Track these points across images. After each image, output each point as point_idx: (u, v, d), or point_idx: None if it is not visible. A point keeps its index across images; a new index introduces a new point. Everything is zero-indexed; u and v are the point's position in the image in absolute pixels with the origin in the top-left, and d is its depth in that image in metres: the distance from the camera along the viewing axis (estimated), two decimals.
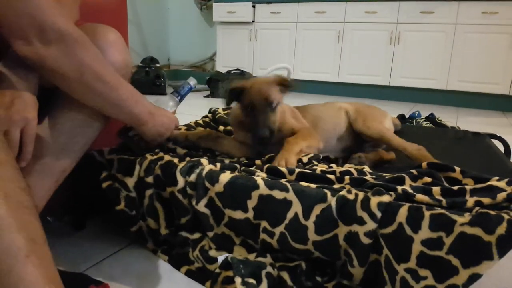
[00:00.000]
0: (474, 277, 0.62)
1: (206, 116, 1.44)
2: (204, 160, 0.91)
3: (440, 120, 2.16)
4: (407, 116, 2.18)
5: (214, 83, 3.70)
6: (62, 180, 0.79)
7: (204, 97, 3.73)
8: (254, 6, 4.12)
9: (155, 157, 0.93)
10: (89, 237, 1.02)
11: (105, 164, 0.97)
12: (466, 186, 0.78)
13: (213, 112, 1.44)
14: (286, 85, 1.03)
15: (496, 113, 3.32)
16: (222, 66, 4.38)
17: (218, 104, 1.39)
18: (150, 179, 0.90)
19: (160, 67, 3.81)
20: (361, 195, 0.72)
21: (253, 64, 4.28)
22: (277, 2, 4.02)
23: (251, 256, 0.82)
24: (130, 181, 0.93)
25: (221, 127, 1.29)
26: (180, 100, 1.03)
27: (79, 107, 0.77)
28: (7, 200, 0.49)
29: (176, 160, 0.91)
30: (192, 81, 1.06)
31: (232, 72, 3.83)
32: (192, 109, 2.48)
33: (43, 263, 0.49)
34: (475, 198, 0.74)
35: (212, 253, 0.87)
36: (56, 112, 0.76)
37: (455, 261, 0.64)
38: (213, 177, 0.83)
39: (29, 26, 0.59)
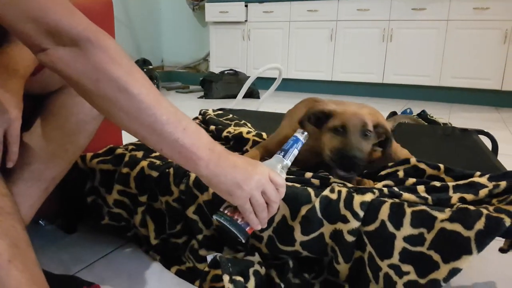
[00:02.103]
0: (454, 272, 0.64)
1: (196, 118, 1.45)
2: None
3: (432, 117, 2.18)
4: (399, 113, 2.20)
5: (208, 84, 3.71)
6: (53, 188, 0.79)
7: (198, 98, 3.74)
8: (246, 6, 4.12)
9: (135, 171, 0.91)
10: (80, 240, 1.03)
11: (88, 172, 0.98)
12: (448, 183, 0.80)
13: (203, 113, 1.45)
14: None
15: (488, 109, 3.35)
16: (215, 66, 4.39)
17: (211, 105, 1.39)
18: (143, 199, 0.90)
19: (153, 68, 3.82)
20: (344, 192, 0.73)
21: (247, 64, 4.29)
22: (270, 1, 4.03)
23: (240, 255, 0.83)
24: (110, 198, 0.94)
25: (212, 127, 1.30)
26: (285, 157, 0.74)
27: (68, 114, 0.77)
28: None
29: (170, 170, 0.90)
30: (299, 133, 0.77)
31: (226, 72, 3.83)
32: (186, 111, 2.49)
33: (27, 267, 0.50)
34: (458, 195, 0.76)
35: (202, 252, 0.88)
36: (45, 120, 0.76)
37: (436, 257, 0.65)
38: (201, 185, 0.83)
39: (35, 31, 0.52)
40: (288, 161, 0.73)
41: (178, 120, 0.59)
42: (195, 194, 0.84)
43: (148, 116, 0.56)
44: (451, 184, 0.80)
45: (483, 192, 0.76)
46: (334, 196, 0.73)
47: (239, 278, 0.73)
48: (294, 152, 0.75)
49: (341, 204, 0.72)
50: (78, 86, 0.56)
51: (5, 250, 0.49)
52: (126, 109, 0.55)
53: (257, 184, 0.62)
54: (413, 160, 0.92)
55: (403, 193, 0.76)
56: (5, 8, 0.49)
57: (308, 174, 0.87)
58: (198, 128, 0.62)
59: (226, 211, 0.67)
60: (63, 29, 0.52)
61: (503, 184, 0.76)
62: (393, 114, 2.14)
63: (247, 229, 0.67)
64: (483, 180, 0.80)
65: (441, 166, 0.88)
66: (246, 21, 4.19)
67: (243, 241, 0.68)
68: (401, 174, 0.89)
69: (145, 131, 0.58)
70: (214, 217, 0.68)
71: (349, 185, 0.81)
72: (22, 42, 0.54)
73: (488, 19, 3.28)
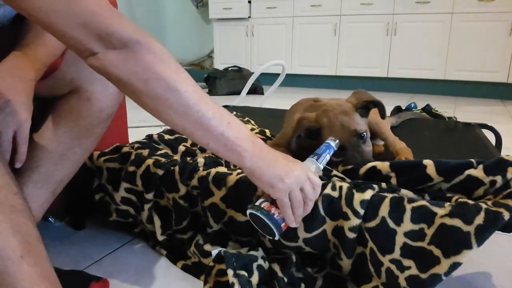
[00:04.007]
0: (455, 266, 0.65)
1: None
2: (200, 160, 0.93)
3: (437, 111, 2.17)
4: (403, 108, 2.19)
5: (212, 80, 3.72)
6: (61, 189, 0.80)
7: None
8: (249, 2, 4.12)
9: (141, 169, 0.93)
10: (89, 236, 1.05)
11: (95, 170, 1.00)
12: (442, 186, 0.80)
13: None
14: (368, 106, 0.93)
15: (494, 102, 3.33)
16: (220, 63, 4.40)
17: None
18: (150, 196, 0.92)
19: None
20: (344, 189, 0.74)
21: (251, 60, 4.29)
22: None
23: (244, 250, 0.85)
24: (117, 196, 0.96)
25: None
26: (319, 160, 0.75)
27: (77, 118, 0.78)
28: (0, 207, 0.52)
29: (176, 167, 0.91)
30: (331, 140, 0.80)
31: (230, 69, 3.84)
32: None
33: (38, 262, 0.52)
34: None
35: (207, 247, 0.90)
36: (54, 122, 0.77)
37: (437, 251, 0.66)
38: (220, 180, 0.85)
39: (86, 36, 0.53)
40: (321, 165, 0.75)
41: (221, 115, 0.62)
42: (211, 190, 0.86)
43: (195, 112, 0.59)
44: (445, 186, 0.79)
45: (477, 194, 0.76)
46: (335, 194, 0.74)
47: (243, 272, 0.75)
48: (327, 157, 0.77)
49: (342, 202, 0.73)
50: (127, 87, 0.58)
51: (18, 246, 0.51)
52: (174, 106, 0.58)
53: (297, 180, 0.65)
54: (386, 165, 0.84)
55: (401, 188, 0.78)
56: (57, 16, 0.51)
57: None
58: (239, 122, 0.65)
59: (262, 205, 0.68)
60: (114, 33, 0.54)
61: (499, 180, 0.75)
62: (398, 108, 2.13)
63: (282, 225, 0.69)
64: (479, 173, 0.78)
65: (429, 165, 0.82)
66: (249, 17, 4.18)
67: (277, 237, 0.69)
68: (393, 181, 0.84)
69: (193, 126, 0.61)
70: (249, 211, 0.69)
71: (349, 180, 0.82)
72: (72, 48, 0.56)
73: (493, 11, 3.25)
